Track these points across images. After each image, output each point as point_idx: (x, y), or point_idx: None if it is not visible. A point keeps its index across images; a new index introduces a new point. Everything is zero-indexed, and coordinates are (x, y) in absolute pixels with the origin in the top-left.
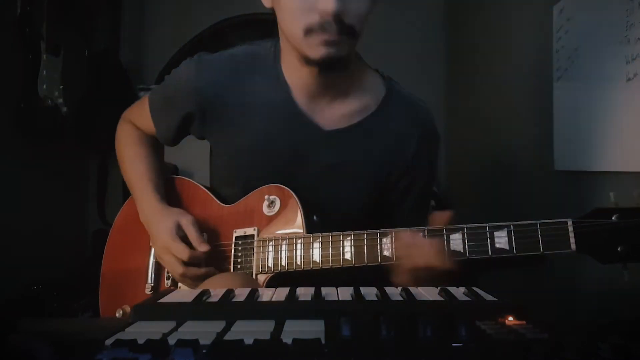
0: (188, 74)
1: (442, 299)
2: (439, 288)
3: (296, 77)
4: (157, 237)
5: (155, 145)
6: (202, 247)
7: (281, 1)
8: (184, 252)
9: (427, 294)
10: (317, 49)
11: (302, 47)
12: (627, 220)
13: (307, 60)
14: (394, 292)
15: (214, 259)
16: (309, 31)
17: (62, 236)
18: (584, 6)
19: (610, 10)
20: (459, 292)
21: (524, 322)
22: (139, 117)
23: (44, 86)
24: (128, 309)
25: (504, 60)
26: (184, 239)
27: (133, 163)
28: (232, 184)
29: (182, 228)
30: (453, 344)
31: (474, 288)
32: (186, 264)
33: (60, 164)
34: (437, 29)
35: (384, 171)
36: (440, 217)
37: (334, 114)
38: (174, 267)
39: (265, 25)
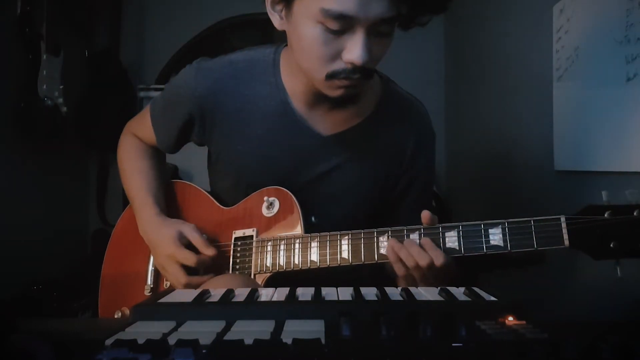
0: (187, 81)
1: (442, 299)
2: (439, 288)
3: (296, 86)
4: (161, 247)
5: (157, 157)
6: (209, 251)
7: (302, 41)
8: (190, 258)
9: (427, 294)
10: (335, 91)
11: (320, 86)
12: (620, 217)
13: (323, 95)
14: (394, 292)
15: (214, 261)
16: (331, 77)
17: (62, 236)
18: (584, 6)
19: (610, 10)
20: (459, 292)
21: (524, 322)
22: (141, 127)
23: (44, 86)
24: (127, 311)
25: (503, 60)
26: (187, 247)
27: (133, 176)
28: (232, 189)
29: (185, 236)
30: (453, 344)
31: (474, 288)
32: (190, 271)
33: (60, 164)
34: (437, 28)
35: (382, 172)
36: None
37: (333, 119)
38: (177, 277)
39: (265, 25)
